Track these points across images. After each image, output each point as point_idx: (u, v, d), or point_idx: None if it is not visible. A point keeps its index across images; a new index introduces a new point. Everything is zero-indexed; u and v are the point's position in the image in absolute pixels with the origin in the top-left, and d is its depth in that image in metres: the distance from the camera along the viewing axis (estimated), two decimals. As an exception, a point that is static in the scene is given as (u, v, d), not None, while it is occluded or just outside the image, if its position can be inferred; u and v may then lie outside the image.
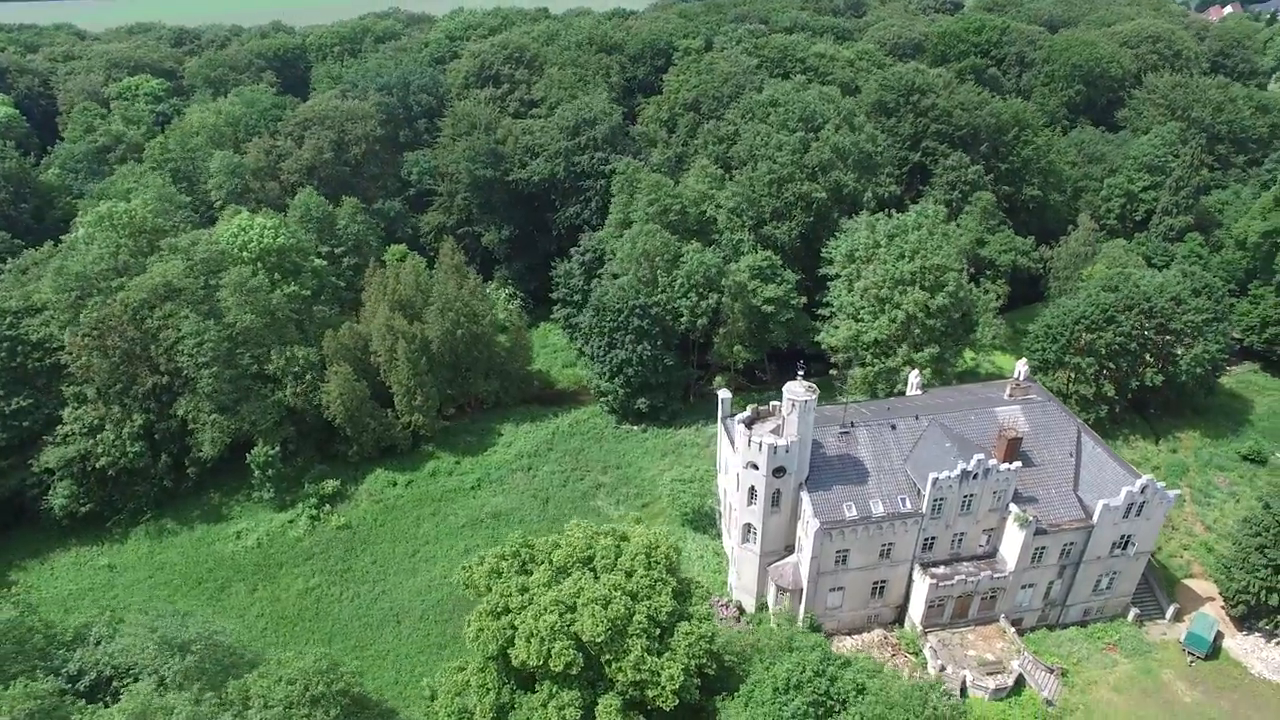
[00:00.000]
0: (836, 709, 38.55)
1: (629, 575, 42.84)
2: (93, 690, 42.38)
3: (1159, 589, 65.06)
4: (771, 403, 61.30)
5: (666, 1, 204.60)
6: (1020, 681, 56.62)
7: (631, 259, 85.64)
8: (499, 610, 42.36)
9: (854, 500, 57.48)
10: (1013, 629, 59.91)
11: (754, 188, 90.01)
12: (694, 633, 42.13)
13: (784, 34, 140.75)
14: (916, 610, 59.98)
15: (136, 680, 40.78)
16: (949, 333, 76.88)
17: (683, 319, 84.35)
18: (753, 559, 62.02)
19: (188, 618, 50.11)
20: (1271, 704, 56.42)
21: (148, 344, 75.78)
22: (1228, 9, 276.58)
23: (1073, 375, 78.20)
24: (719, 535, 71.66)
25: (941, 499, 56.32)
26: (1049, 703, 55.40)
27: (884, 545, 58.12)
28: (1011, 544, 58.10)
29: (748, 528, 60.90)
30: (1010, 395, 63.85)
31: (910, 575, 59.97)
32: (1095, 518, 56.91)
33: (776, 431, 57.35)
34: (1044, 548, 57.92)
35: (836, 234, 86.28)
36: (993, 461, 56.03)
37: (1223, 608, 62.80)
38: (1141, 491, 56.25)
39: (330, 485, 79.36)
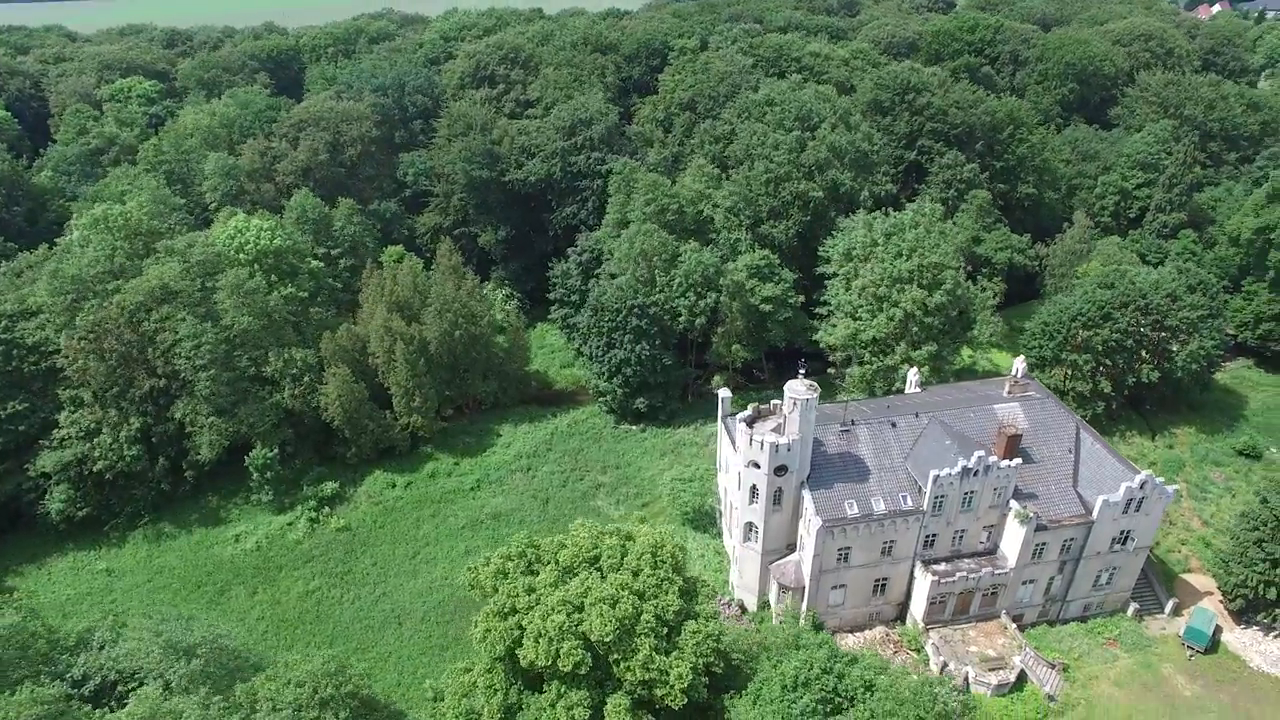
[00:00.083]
0: (845, 706, 38.66)
1: (635, 574, 42.85)
2: (97, 695, 42.17)
3: (1158, 584, 65.46)
4: (772, 401, 61.42)
5: (660, 1, 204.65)
6: (1022, 677, 56.91)
7: (629, 259, 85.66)
8: (506, 611, 42.29)
9: (855, 498, 57.63)
10: (1014, 625, 60.16)
11: (751, 187, 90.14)
12: (701, 631, 42.19)
13: (779, 33, 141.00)
14: (918, 607, 60.19)
15: (141, 685, 40.59)
16: (947, 330, 77.11)
17: (681, 318, 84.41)
18: (755, 557, 62.11)
19: (192, 621, 49.90)
20: (1271, 696, 56.83)
21: (145, 347, 75.39)
22: (1216, 7, 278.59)
23: (1069, 372, 78.63)
24: (719, 534, 71.73)
25: (942, 496, 56.51)
26: (1051, 698, 55.67)
27: (886, 543, 58.29)
28: (1012, 540, 58.36)
29: (749, 526, 60.99)
30: (1009, 392, 64.12)
31: (912, 572, 60.18)
32: (1095, 513, 57.21)
33: (778, 430, 57.43)
34: (1044, 544, 58.21)
35: (834, 233, 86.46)
36: (993, 458, 56.28)
37: (1221, 602, 63.25)
38: (1140, 487, 56.58)
39: (329, 487, 79.11)
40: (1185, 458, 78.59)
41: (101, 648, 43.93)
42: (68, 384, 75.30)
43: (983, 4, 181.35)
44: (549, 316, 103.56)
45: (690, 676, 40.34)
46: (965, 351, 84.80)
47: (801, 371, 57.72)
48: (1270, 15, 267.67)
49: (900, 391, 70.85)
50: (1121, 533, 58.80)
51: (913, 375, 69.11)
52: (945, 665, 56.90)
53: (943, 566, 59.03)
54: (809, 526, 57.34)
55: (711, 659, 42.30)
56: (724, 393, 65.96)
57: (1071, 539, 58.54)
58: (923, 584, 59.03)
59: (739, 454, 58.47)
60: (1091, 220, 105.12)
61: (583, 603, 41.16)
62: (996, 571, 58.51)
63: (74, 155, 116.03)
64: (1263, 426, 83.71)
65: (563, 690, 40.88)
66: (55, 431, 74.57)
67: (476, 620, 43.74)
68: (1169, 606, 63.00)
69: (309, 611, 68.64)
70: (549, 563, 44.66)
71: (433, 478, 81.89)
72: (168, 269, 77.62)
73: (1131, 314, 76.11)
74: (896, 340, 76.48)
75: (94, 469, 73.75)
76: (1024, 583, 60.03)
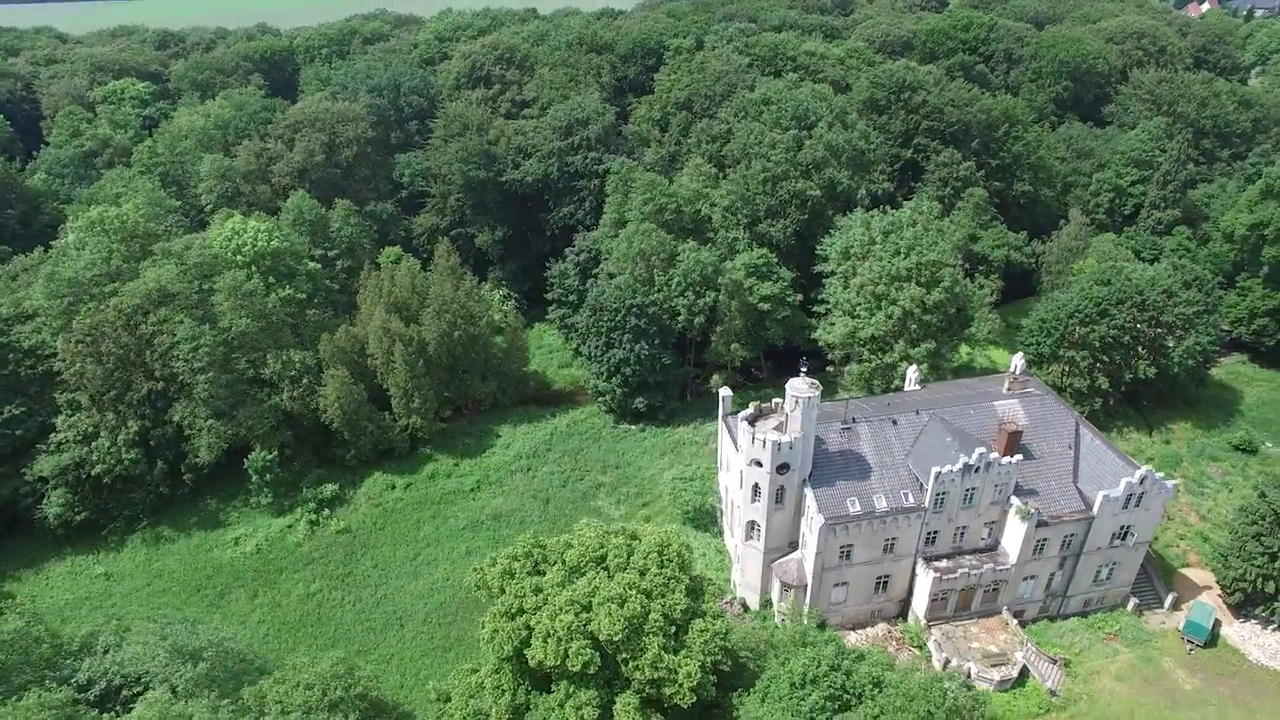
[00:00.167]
0: (853, 703, 38.78)
1: (642, 574, 42.88)
2: (103, 699, 41.99)
3: (1157, 579, 65.83)
4: (774, 400, 61.51)
5: (655, 1, 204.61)
6: (1024, 673, 57.14)
7: (628, 258, 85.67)
8: (514, 611, 42.27)
9: (857, 495, 57.80)
10: (1015, 621, 60.45)
11: (748, 186, 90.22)
12: (709, 630, 42.26)
13: (774, 32, 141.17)
14: (920, 604, 60.39)
15: (147, 689, 40.41)
16: (945, 328, 77.36)
17: (680, 318, 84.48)
18: (757, 556, 62.22)
19: (197, 625, 49.70)
20: (1270, 689, 57.23)
21: (142, 350, 75.05)
22: (1205, 5, 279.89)
23: (1067, 368, 78.95)
24: (720, 533, 71.82)
25: (944, 493, 56.71)
26: (1053, 693, 55.94)
27: (887, 540, 58.47)
28: (1013, 536, 58.61)
29: (751, 525, 61.08)
30: (1009, 389, 64.36)
31: (913, 569, 60.37)
32: (1095, 509, 57.50)
33: (779, 428, 57.51)
34: (1045, 539, 58.47)
35: (831, 231, 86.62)
36: (994, 455, 56.49)
37: (1220, 596, 63.64)
38: (1140, 482, 56.91)
39: (329, 489, 78.95)
40: (1182, 453, 79.05)
41: (106, 652, 43.71)
42: (65, 388, 74.95)
43: (976, 2, 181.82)
44: (547, 317, 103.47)
45: (699, 675, 40.41)
46: (963, 349, 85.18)
47: (803, 370, 57.84)
48: (1260, 13, 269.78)
49: (899, 389, 71.09)
50: (1121, 528, 59.13)
51: (912, 373, 69.33)
52: (948, 662, 57.10)
53: (944, 563, 59.24)
54: (811, 524, 57.47)
55: (719, 657, 42.39)
56: (725, 391, 66.06)
57: (1072, 535, 58.82)
58: (925, 581, 59.23)
59: (741, 452, 58.56)
60: (1087, 217, 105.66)
61: (590, 602, 41.17)
62: (998, 568, 58.74)
63: (67, 158, 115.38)
64: (1258, 421, 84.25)
65: (571, 690, 40.89)
66: (52, 435, 74.28)
67: (484, 621, 43.72)
68: (1168, 601, 63.38)
69: (310, 614, 68.48)
70: (555, 563, 44.67)
71: (432, 479, 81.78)
72: (165, 271, 77.31)
73: (1128, 310, 76.50)
74: (895, 338, 76.68)
75: (92, 473, 73.45)
76: (1025, 579, 60.28)
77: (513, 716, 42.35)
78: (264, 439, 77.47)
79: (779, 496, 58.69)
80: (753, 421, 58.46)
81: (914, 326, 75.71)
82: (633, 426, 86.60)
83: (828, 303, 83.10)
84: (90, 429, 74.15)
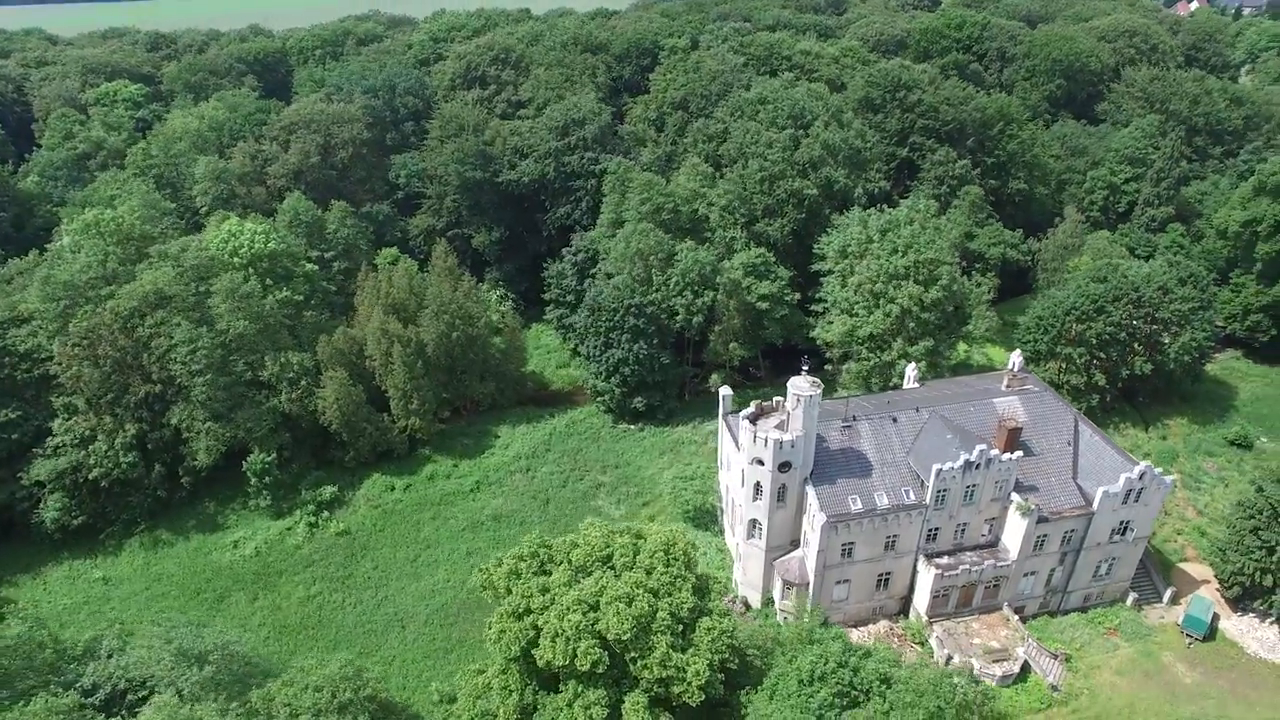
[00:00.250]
0: (861, 699, 38.92)
1: (649, 572, 42.90)
2: (108, 704, 41.77)
3: (1156, 573, 66.25)
4: (774, 398, 61.62)
5: (648, 1, 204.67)
6: (1025, 668, 57.40)
7: (626, 258, 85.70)
8: (521, 611, 42.24)
9: (859, 493, 57.97)
10: (1016, 617, 60.70)
11: (745, 185, 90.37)
12: (716, 628, 42.34)
13: (768, 32, 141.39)
14: (921, 601, 60.59)
15: (152, 693, 40.22)
16: (943, 326, 77.65)
17: (678, 317, 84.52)
18: (758, 554, 62.33)
19: (202, 628, 49.48)
20: (1269, 682, 57.64)
21: (139, 352, 74.68)
22: (1194, 4, 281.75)
23: (1064, 365, 79.41)
24: (720, 532, 71.93)
25: (945, 490, 56.94)
26: (1054, 688, 56.22)
27: (889, 537, 58.66)
28: (1014, 533, 58.87)
29: (753, 523, 61.19)
30: (1008, 386, 64.64)
31: (914, 566, 60.57)
32: (1095, 505, 57.82)
33: (781, 427, 57.62)
34: (1046, 535, 58.75)
35: (828, 230, 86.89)
36: (994, 452, 56.74)
37: (1218, 590, 64.04)
38: (1140, 478, 57.24)
39: (328, 491, 78.69)
40: (1178, 448, 79.57)
41: (109, 656, 43.47)
42: (61, 391, 74.45)
43: (968, 1, 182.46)
44: (544, 317, 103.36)
45: (707, 673, 40.48)
46: (960, 346, 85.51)
47: (804, 368, 57.99)
48: (1247, 11, 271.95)
49: (898, 387, 71.35)
50: (1121, 523, 59.48)
51: (910, 370, 69.58)
52: (950, 658, 57.33)
53: (945, 560, 59.46)
54: (813, 522, 57.60)
55: (727, 655, 42.47)
56: (725, 391, 66.17)
57: (1072, 530, 59.14)
58: (926, 578, 59.44)
59: (742, 451, 58.66)
60: (1081, 214, 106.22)
61: (598, 601, 41.16)
62: (999, 564, 59.00)
63: (60, 160, 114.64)
64: (1253, 416, 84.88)
65: (580, 689, 40.87)
66: (49, 439, 73.76)
67: (490, 621, 43.63)
68: (1167, 595, 63.79)
69: (310, 617, 68.24)
70: (561, 562, 44.65)
71: (432, 480, 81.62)
72: (161, 274, 76.92)
73: (1124, 307, 76.97)
74: (893, 336, 76.92)
75: (89, 477, 72.97)
76: (1025, 575, 60.57)
77: (520, 717, 42.32)
78: (262, 441, 77.17)
79: (781, 495, 58.81)
80: (754, 420, 58.55)
81: (912, 324, 75.96)
82: (632, 426, 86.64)
83: (825, 301, 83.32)
84: (87, 432, 73.71)
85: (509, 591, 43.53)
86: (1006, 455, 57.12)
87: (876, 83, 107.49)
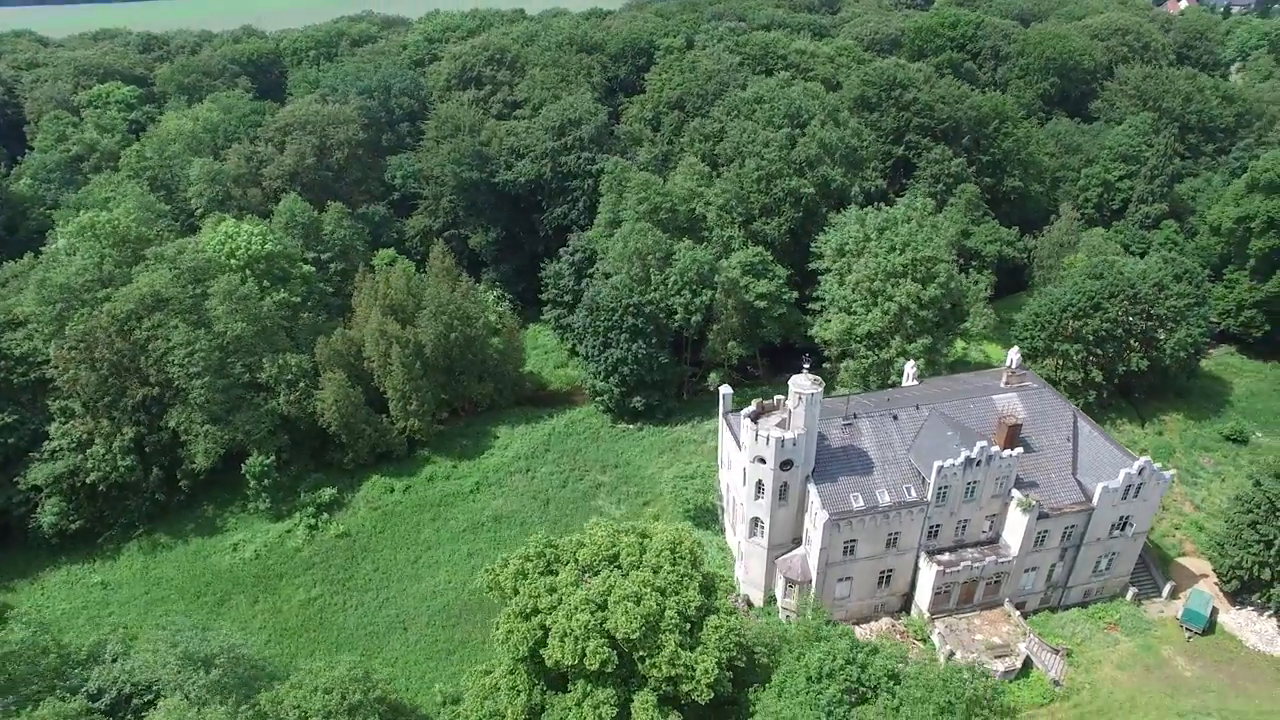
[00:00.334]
0: (869, 695, 39.06)
1: (656, 571, 42.95)
2: (114, 708, 41.59)
3: (1155, 568, 66.63)
4: (775, 397, 61.75)
5: (643, 1, 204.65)
6: (1027, 663, 57.70)
7: (624, 258, 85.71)
8: (528, 611, 42.23)
9: (860, 491, 58.14)
10: (1017, 612, 60.97)
11: (743, 184, 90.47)
12: (723, 626, 42.41)
13: (763, 31, 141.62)
14: (923, 597, 60.80)
15: (158, 697, 40.06)
16: (941, 323, 77.97)
17: (676, 316, 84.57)
18: (760, 553, 62.44)
19: (207, 631, 49.28)
20: (1268, 674, 58.06)
21: (136, 355, 74.34)
22: (1184, 2, 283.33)
23: (1060, 362, 79.79)
24: (721, 530, 72.04)
25: (946, 487, 57.15)
26: (1056, 683, 56.51)
27: (891, 534, 58.84)
28: (1014, 529, 59.14)
29: (755, 521, 61.28)
30: (1007, 383, 64.89)
31: (916, 563, 60.77)
32: (1095, 500, 58.12)
33: (782, 425, 57.76)
34: (1046, 531, 59.03)
35: (826, 229, 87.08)
36: (995, 448, 56.97)
37: (1216, 583, 64.48)
38: (1139, 473, 57.58)
39: (327, 493, 78.51)
40: (1175, 444, 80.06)
41: (114, 660, 43.29)
42: (58, 395, 74.11)
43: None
44: (541, 317, 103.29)
45: (716, 671, 40.55)
46: (958, 343, 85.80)
47: (805, 367, 58.12)
48: (1236, 10, 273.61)
49: (896, 384, 71.58)
50: (1120, 518, 59.81)
51: (909, 368, 69.80)
52: (952, 654, 57.54)
53: (947, 556, 59.68)
54: (815, 520, 57.73)
55: (734, 653, 42.54)
56: (725, 390, 66.30)
57: (1072, 526, 59.44)
58: (927, 574, 59.65)
59: (744, 450, 58.75)
60: (1077, 212, 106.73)
61: (605, 601, 41.18)
62: (1000, 560, 59.25)
63: (53, 162, 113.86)
64: (1247, 411, 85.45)
65: (589, 689, 40.89)
66: (46, 443, 73.41)
67: (497, 622, 43.60)
68: (1166, 590, 64.17)
69: (311, 619, 68.08)
70: (568, 562, 44.66)
71: (431, 481, 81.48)
72: (158, 276, 76.59)
73: (1120, 304, 77.37)
74: (891, 334, 77.16)
75: (86, 480, 72.63)
76: (1026, 570, 60.85)
77: (529, 717, 42.30)
78: (261, 444, 76.90)
79: (782, 493, 58.93)
80: (755, 419, 58.67)
81: (910, 322, 76.23)
82: (631, 426, 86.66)
83: (823, 300, 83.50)
84: (84, 436, 73.36)
85: (516, 592, 43.49)
86: (1007, 452, 57.38)
87: (872, 81, 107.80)
